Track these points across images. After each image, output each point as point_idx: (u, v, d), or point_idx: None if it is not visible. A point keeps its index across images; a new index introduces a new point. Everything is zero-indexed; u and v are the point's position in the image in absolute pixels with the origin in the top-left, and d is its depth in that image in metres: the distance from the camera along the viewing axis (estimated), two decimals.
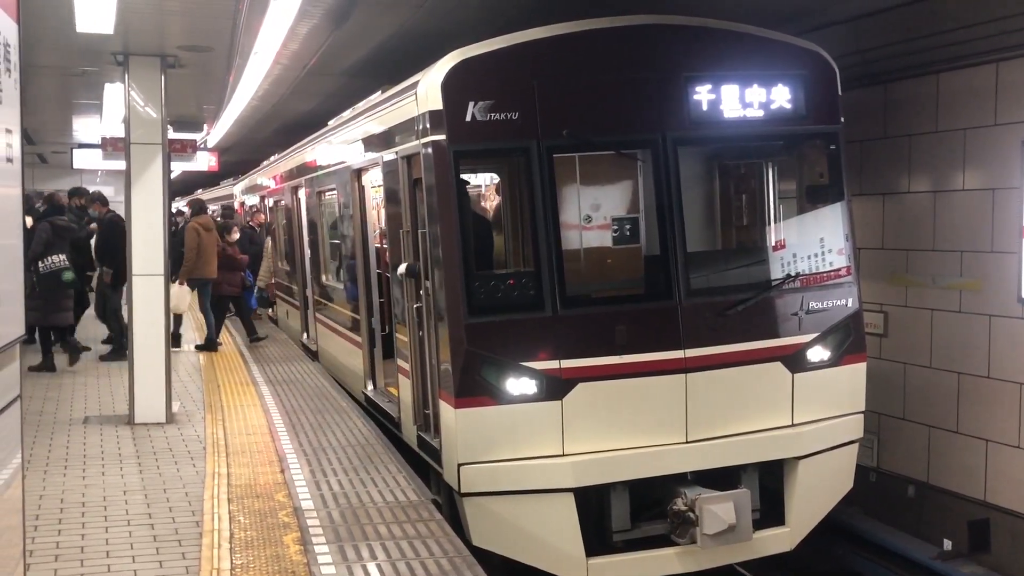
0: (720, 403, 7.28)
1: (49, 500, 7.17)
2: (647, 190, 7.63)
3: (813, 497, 7.60)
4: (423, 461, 8.04)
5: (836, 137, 7.81)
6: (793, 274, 7.65)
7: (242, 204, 23.96)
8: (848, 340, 7.76)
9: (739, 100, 7.46)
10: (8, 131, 3.41)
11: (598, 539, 7.09)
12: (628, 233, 8.06)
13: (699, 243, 8.16)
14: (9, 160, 3.42)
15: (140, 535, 6.44)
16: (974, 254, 8.81)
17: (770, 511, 7.51)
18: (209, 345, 14.56)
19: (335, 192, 11.64)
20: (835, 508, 7.95)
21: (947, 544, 8.99)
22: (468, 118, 6.92)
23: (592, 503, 7.11)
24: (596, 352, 7.04)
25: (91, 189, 25.45)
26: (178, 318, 14.77)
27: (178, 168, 21.28)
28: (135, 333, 9.65)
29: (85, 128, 16.89)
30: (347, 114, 11.25)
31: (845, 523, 9.64)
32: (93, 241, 14.39)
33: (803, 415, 7.57)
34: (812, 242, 7.82)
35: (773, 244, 8.04)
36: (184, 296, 14.09)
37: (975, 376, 8.84)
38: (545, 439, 6.95)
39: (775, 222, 8.18)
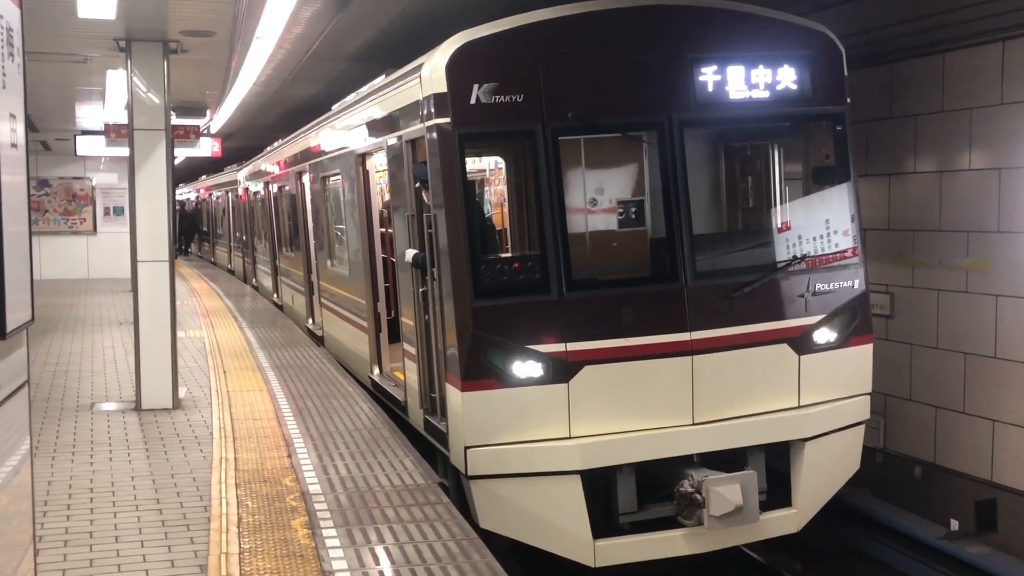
0: (726, 385, 7.28)
1: (57, 486, 7.19)
2: (653, 172, 7.60)
3: (820, 479, 7.61)
4: (430, 445, 8.05)
5: (842, 118, 7.77)
6: (799, 256, 7.63)
7: (246, 190, 23.93)
8: (855, 321, 7.74)
9: (745, 81, 7.42)
10: (12, 116, 3.40)
11: (605, 521, 7.10)
12: (634, 216, 8.03)
13: (705, 225, 8.13)
14: (14, 146, 3.41)
15: (148, 520, 6.46)
16: (981, 234, 8.78)
17: (777, 493, 7.51)
18: None
19: (339, 177, 11.63)
20: (842, 489, 7.95)
21: (954, 524, 8.99)
22: (473, 101, 6.89)
23: (599, 485, 7.12)
24: (602, 335, 7.03)
25: (94, 176, 25.64)
26: None
27: (182, 154, 21.28)
28: (141, 319, 9.66)
29: (88, 115, 16.87)
30: (351, 98, 11.22)
31: (852, 504, 9.66)
32: None
33: (810, 397, 7.56)
34: (818, 223, 7.80)
35: (779, 226, 8.01)
36: None
37: (982, 356, 8.82)
38: (552, 422, 6.96)
39: (781, 204, 8.15)
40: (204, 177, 37.69)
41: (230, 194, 28.36)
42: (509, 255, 7.98)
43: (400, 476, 7.30)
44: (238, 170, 25.98)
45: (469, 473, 6.94)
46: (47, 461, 7.80)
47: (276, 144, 19.35)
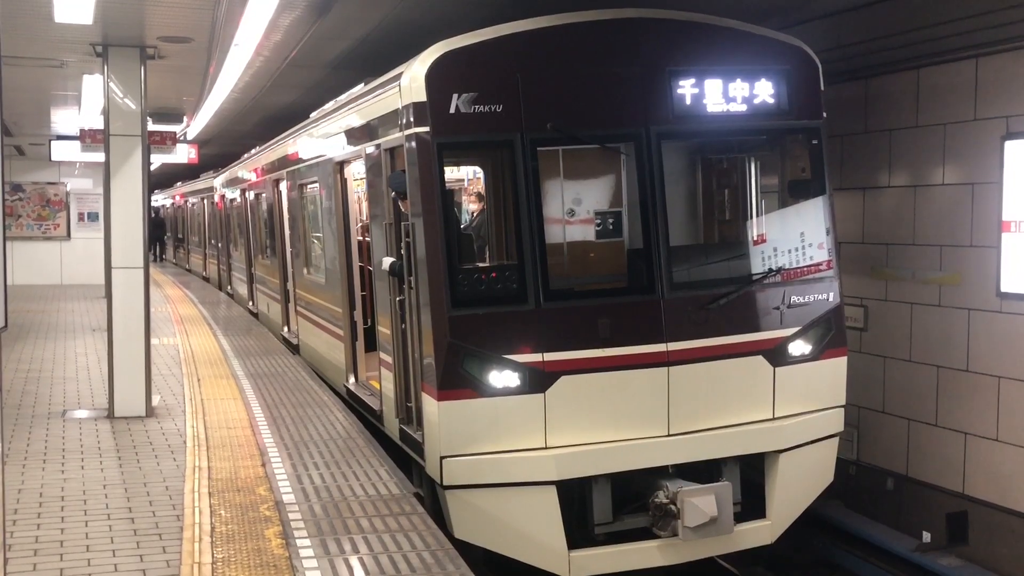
0: (702, 396, 7.30)
1: (28, 494, 7.11)
2: (630, 184, 7.63)
3: (794, 490, 7.64)
4: (405, 454, 8.03)
5: (818, 132, 7.83)
6: (775, 268, 7.67)
7: (222, 197, 23.81)
8: (829, 334, 7.79)
9: (722, 94, 7.47)
10: None
11: (580, 532, 7.10)
12: (611, 227, 8.06)
13: (682, 237, 8.17)
14: None
15: (120, 529, 6.40)
16: (953, 248, 8.87)
17: (751, 504, 7.54)
18: None
19: (317, 185, 11.59)
20: (816, 501, 7.99)
21: (926, 536, 9.05)
22: (452, 110, 6.90)
23: (574, 496, 7.12)
24: (579, 345, 7.04)
25: (69, 182, 25.43)
26: None
27: (158, 160, 21.16)
28: (114, 326, 9.58)
29: (64, 120, 16.74)
30: (330, 106, 11.20)
31: (825, 515, 9.70)
32: None
33: (784, 409, 7.60)
34: (794, 236, 7.85)
35: (755, 238, 8.06)
36: None
37: (954, 369, 8.90)
38: (528, 432, 6.95)
39: (757, 216, 8.20)
40: (179, 184, 37.41)
41: (206, 201, 28.20)
42: (487, 264, 7.98)
43: (375, 486, 7.28)
44: (214, 176, 25.85)
45: (445, 483, 6.92)
46: (18, 469, 7.71)
47: (253, 151, 19.27)
